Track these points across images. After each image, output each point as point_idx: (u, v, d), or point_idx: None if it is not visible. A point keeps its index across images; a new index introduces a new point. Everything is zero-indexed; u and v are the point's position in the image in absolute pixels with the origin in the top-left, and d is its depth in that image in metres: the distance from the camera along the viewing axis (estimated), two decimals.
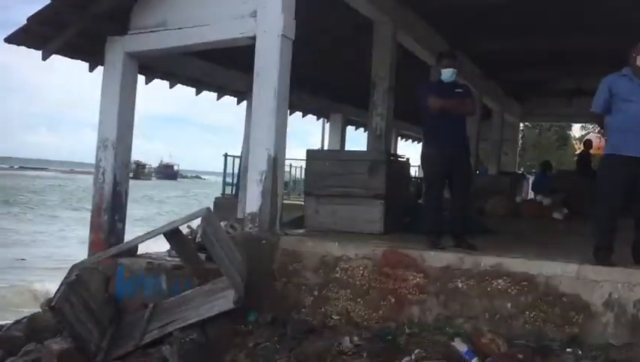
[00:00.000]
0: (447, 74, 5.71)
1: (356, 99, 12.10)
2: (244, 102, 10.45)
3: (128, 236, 6.77)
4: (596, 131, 23.97)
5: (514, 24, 9.79)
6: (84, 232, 7.90)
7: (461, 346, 4.45)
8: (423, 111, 5.75)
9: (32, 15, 6.13)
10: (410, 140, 21.53)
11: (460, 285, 4.85)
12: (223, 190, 13.98)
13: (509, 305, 4.69)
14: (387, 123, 8.51)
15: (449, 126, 5.59)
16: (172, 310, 5.46)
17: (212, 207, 9.73)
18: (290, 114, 11.69)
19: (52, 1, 6.08)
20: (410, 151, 23.68)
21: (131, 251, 6.28)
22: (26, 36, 6.32)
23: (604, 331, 4.43)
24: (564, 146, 37.34)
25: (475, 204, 9.37)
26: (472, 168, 8.49)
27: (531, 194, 14.41)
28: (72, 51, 6.78)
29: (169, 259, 6.24)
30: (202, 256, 5.84)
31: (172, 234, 5.58)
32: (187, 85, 9.56)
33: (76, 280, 5.27)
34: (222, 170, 14.12)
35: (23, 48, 6.40)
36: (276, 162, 5.75)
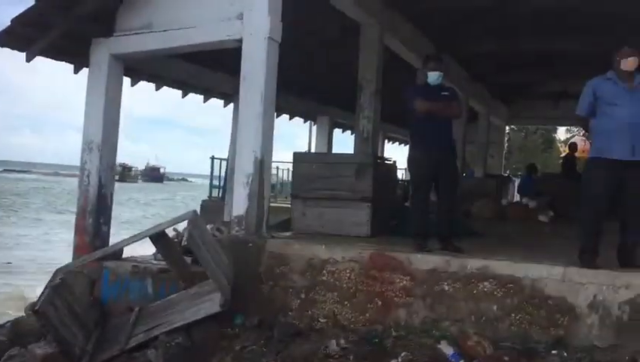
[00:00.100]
0: (433, 77, 5.73)
1: (343, 101, 12.11)
2: (231, 105, 10.42)
3: (113, 239, 6.70)
4: (581, 134, 24.18)
5: (500, 27, 9.86)
6: (68, 235, 7.82)
7: (447, 349, 4.47)
8: (409, 114, 5.75)
9: (16, 16, 6.09)
10: (397, 143, 21.64)
11: (446, 288, 4.86)
12: (210, 193, 13.96)
13: (494, 307, 4.70)
14: (374, 125, 8.51)
15: (435, 129, 5.61)
16: (158, 314, 5.42)
17: (199, 210, 9.72)
18: (277, 116, 11.72)
19: (36, 3, 6.04)
20: (397, 153, 23.78)
21: (117, 254, 6.22)
22: (9, 38, 6.27)
23: (589, 333, 4.45)
24: (550, 149, 37.65)
25: (462, 207, 9.40)
26: (459, 171, 8.52)
27: (517, 197, 14.51)
28: (56, 53, 6.74)
29: (155, 262, 6.21)
30: (188, 259, 5.82)
31: (158, 237, 5.55)
32: (173, 87, 9.55)
33: (61, 284, 5.22)
34: (209, 173, 14.12)
35: (6, 50, 6.35)
36: (263, 165, 5.74)
